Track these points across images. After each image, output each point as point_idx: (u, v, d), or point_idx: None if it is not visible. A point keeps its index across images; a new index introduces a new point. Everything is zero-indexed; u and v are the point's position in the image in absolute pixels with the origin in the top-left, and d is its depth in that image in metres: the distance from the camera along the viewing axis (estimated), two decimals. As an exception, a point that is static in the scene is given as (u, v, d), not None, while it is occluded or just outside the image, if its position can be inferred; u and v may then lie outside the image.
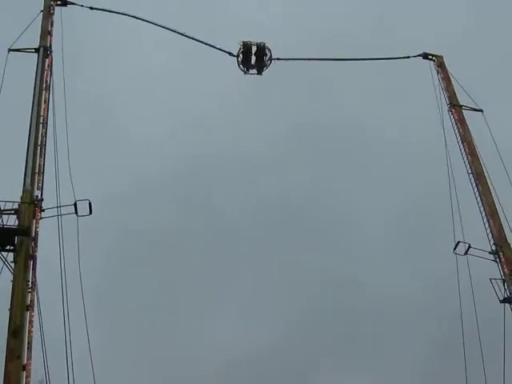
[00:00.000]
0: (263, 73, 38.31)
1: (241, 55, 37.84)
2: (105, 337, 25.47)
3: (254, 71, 38.36)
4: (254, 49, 37.77)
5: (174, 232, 74.87)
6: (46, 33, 28.50)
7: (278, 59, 38.01)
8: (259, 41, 37.77)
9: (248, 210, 79.47)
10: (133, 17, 34.89)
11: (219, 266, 75.24)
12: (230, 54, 37.58)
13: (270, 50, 37.80)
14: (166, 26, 36.15)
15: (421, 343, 64.10)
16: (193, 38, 36.74)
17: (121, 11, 34.14)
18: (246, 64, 38.04)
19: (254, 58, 37.88)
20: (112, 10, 34.06)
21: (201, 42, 36.99)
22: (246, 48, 37.64)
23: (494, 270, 28.65)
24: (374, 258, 74.05)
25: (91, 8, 32.83)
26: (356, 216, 78.36)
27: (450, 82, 35.99)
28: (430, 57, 37.68)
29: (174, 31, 36.39)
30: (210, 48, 36.77)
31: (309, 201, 79.66)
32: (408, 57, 37.84)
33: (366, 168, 78.70)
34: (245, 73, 38.39)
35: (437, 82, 36.45)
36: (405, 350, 65.41)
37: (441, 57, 37.46)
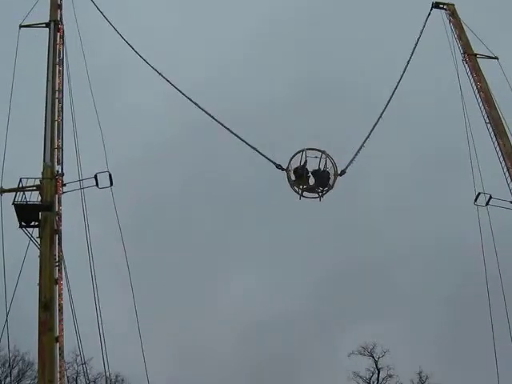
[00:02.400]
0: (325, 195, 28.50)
1: (292, 171, 28.42)
2: (130, 305, 25.76)
3: (314, 194, 28.67)
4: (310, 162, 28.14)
5: (190, 197, 75.22)
6: (55, 6, 28.20)
7: (344, 172, 28.62)
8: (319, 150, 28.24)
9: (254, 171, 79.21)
10: None
11: (234, 232, 75.74)
12: (278, 166, 28.35)
13: (334, 164, 28.46)
14: None
15: (444, 293, 64.47)
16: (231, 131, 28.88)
17: None
18: (300, 182, 28.34)
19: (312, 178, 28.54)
20: None
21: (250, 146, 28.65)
22: (299, 172, 28.33)
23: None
24: (393, 209, 74.25)
25: None
26: (373, 170, 78.08)
27: (463, 30, 35.31)
28: (442, 5, 36.99)
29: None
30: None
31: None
32: (429, 14, 36.37)
33: (381, 120, 78.06)
34: (300, 196, 28.50)
35: (449, 31, 35.83)
36: (426, 301, 65.99)
37: (452, 5, 36.66)
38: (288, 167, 28.35)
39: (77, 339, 22.88)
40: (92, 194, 24.75)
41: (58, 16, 27.96)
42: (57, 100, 25.51)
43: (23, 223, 22.84)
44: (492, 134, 31.22)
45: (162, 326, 61.95)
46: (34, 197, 23.13)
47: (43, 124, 24.64)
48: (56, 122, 25.07)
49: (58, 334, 21.44)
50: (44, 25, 27.46)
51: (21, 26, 27.72)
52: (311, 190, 28.59)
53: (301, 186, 28.41)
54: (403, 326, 65.25)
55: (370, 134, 30.65)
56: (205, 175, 78.90)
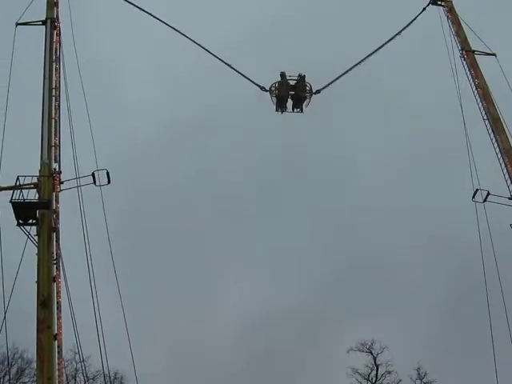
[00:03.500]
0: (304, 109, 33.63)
1: (275, 91, 33.30)
2: (128, 303, 25.83)
3: (293, 111, 33.78)
4: (290, 84, 33.24)
5: (188, 193, 75.16)
6: (52, 4, 28.21)
7: (318, 92, 33.62)
8: (297, 72, 33.41)
9: (250, 167, 79.28)
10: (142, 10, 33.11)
11: (232, 229, 75.69)
12: (262, 88, 33.14)
13: (309, 84, 33.41)
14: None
15: (443, 290, 64.61)
16: (223, 61, 32.78)
17: None
18: (282, 103, 33.44)
19: (291, 95, 33.40)
20: None
21: (232, 67, 32.81)
22: (281, 85, 33.24)
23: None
24: (386, 208, 74.37)
25: None
26: (371, 167, 78.26)
27: (461, 26, 35.32)
28: (439, 2, 36.97)
29: (201, 46, 32.68)
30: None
31: (317, 155, 79.36)
32: (424, 9, 36.68)
33: (380, 117, 78.18)
34: (281, 112, 33.77)
35: (447, 27, 35.82)
36: (424, 298, 66.09)
37: (450, 1, 36.70)
38: (271, 88, 32.92)
39: (75, 337, 22.93)
40: (88, 192, 24.73)
41: (55, 14, 28.00)
42: (54, 98, 25.55)
43: (21, 221, 22.82)
44: (490, 130, 31.21)
45: (160, 325, 62.05)
46: (32, 195, 23.14)
47: (40, 122, 24.64)
48: (53, 120, 25.08)
49: (56, 331, 21.46)
50: (40, 22, 27.51)
51: (17, 24, 27.79)
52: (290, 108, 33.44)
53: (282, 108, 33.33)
54: (402, 323, 65.34)
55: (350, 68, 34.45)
56: (201, 172, 78.86)
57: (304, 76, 33.34)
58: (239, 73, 32.54)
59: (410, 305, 66.20)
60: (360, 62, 34.74)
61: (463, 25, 35.30)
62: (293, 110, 33.75)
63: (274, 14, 79.39)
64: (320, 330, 68.24)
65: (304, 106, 33.66)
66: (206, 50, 32.52)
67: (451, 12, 36.15)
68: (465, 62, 33.92)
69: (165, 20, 32.99)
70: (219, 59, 32.61)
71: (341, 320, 68.73)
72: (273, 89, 33.30)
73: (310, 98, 33.39)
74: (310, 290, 69.89)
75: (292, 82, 33.51)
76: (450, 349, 60.65)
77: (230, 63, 32.53)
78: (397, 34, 35.84)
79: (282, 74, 33.56)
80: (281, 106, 33.43)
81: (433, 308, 65.06)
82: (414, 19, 36.25)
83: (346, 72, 34.27)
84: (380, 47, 35.53)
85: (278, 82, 33.50)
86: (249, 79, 32.63)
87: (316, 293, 69.61)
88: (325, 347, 67.49)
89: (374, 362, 65.02)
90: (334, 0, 76.49)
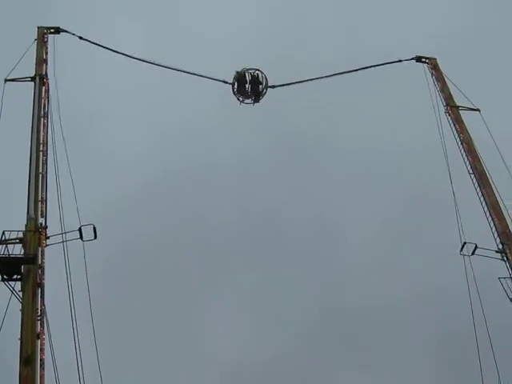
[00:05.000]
0: (260, 101, 37.77)
1: (236, 83, 37.44)
2: (108, 350, 25.43)
3: (250, 100, 37.95)
4: (248, 77, 37.34)
5: (165, 244, 74.63)
6: (41, 61, 28.67)
7: (273, 87, 37.66)
8: (255, 68, 37.46)
9: (234, 220, 79.11)
10: (116, 52, 35.09)
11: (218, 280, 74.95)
12: (225, 82, 37.30)
13: (265, 78, 37.46)
14: (153, 61, 36.29)
15: (431, 344, 63.95)
16: (182, 71, 36.67)
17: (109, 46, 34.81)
18: (241, 92, 37.62)
19: (249, 87, 37.46)
20: (99, 43, 34.50)
21: (192, 73, 36.94)
22: (240, 77, 37.28)
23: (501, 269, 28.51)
24: (370, 261, 74.12)
25: (80, 38, 33.33)
26: (354, 220, 78.21)
27: (445, 83, 36.07)
28: (424, 60, 37.78)
29: (160, 65, 36.29)
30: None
31: (298, 210, 79.44)
32: (400, 60, 38.02)
33: (364, 171, 78.59)
34: (240, 102, 37.92)
35: (432, 84, 36.51)
36: (413, 351, 65.30)
37: (434, 59, 37.59)
38: (233, 82, 37.19)
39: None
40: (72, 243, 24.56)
41: (44, 70, 28.38)
42: (41, 153, 25.63)
43: (5, 276, 22.52)
44: (476, 184, 31.47)
45: (139, 370, 60.61)
46: (17, 249, 22.89)
47: (27, 176, 24.64)
48: (40, 175, 25.09)
49: (39, 389, 20.99)
50: (29, 79, 27.84)
51: (6, 80, 28.09)
52: (247, 96, 37.49)
53: (240, 96, 37.56)
54: (392, 377, 64.34)
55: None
56: (182, 218, 78.63)
57: (259, 72, 37.53)
58: (197, 75, 36.76)
59: (400, 358, 65.27)
60: (326, 77, 39.10)
61: (447, 81, 36.05)
62: (251, 98, 37.78)
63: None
64: (306, 380, 67.05)
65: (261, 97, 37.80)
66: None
67: (435, 69, 36.96)
68: (450, 118, 34.48)
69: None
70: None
71: (327, 374, 67.54)
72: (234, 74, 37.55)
73: (266, 90, 37.47)
74: (295, 339, 68.91)
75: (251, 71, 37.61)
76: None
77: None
78: (368, 67, 39.14)
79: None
80: (241, 91, 37.43)
81: (423, 361, 64.19)
82: (388, 63, 38.75)
83: (306, 80, 38.91)
84: (347, 72, 39.25)
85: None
86: (212, 78, 36.97)
87: (299, 345, 68.60)
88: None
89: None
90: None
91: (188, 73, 36.73)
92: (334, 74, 39.49)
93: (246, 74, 37.50)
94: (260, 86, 37.46)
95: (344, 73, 39.50)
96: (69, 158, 27.79)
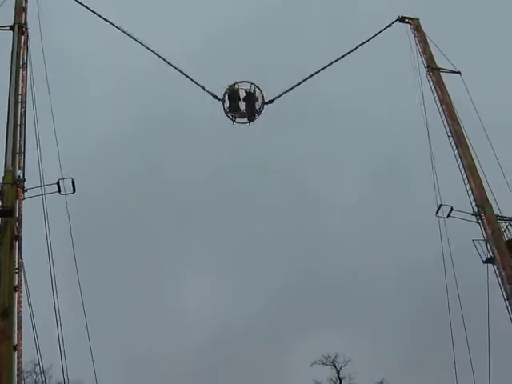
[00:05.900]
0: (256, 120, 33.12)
1: (227, 100, 32.82)
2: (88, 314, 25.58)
3: (244, 120, 33.15)
4: (242, 93, 32.91)
5: (143, 196, 74.59)
6: (20, 9, 28.00)
7: (271, 101, 33.14)
8: (248, 81, 32.98)
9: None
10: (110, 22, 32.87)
11: (193, 238, 75.31)
12: (215, 96, 32.51)
13: (262, 93, 32.91)
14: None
15: (405, 306, 65.11)
16: (178, 69, 32.78)
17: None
18: (233, 110, 32.85)
19: (243, 104, 32.98)
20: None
21: (186, 75, 32.81)
22: (233, 92, 32.78)
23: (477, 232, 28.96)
24: (347, 226, 74.88)
25: None
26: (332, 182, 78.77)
27: (427, 44, 35.92)
28: (407, 20, 37.56)
29: (155, 53, 32.88)
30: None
31: (282, 169, 79.64)
32: (390, 25, 37.16)
33: (347, 135, 78.87)
34: (233, 122, 33.06)
35: (414, 45, 36.37)
36: (387, 312, 66.55)
37: (417, 20, 37.34)
38: (223, 98, 32.55)
39: (36, 348, 22.47)
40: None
41: (23, 19, 27.75)
42: (19, 104, 25.27)
43: (-17, 229, 22.46)
44: (454, 146, 31.73)
45: (116, 333, 61.10)
46: (-6, 202, 22.77)
47: (4, 128, 24.35)
48: (18, 126, 24.77)
49: (16, 342, 21.04)
50: (8, 28, 27.23)
51: (-17, 30, 27.46)
52: (242, 115, 33.04)
53: (233, 114, 32.97)
54: (365, 336, 65.67)
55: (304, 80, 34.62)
56: (157, 174, 78.49)
57: (255, 87, 33.10)
58: (191, 79, 33.01)
59: (374, 319, 66.57)
60: (318, 72, 35.16)
61: (430, 43, 35.95)
62: (246, 117, 33.39)
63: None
64: (282, 343, 68.13)
65: (256, 115, 33.24)
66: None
67: (418, 30, 36.77)
68: (431, 80, 34.50)
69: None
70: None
71: (304, 333, 68.71)
72: (226, 89, 33.01)
73: (263, 107, 33.04)
74: (272, 302, 69.83)
75: (246, 86, 33.22)
76: (413, 363, 61.18)
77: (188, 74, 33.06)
78: (358, 46, 36.08)
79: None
80: (233, 108, 32.95)
81: (397, 322, 65.54)
82: (377, 34, 36.71)
83: (302, 82, 34.63)
84: (340, 58, 35.73)
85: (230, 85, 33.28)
86: (203, 88, 32.70)
87: (278, 305, 69.55)
88: (287, 360, 67.49)
89: (338, 375, 65.24)
90: (300, 13, 77.18)
91: (178, 70, 32.91)
92: (331, 63, 35.47)
93: (240, 92, 32.98)
94: (256, 104, 32.94)
95: (341, 58, 35.84)
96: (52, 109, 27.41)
